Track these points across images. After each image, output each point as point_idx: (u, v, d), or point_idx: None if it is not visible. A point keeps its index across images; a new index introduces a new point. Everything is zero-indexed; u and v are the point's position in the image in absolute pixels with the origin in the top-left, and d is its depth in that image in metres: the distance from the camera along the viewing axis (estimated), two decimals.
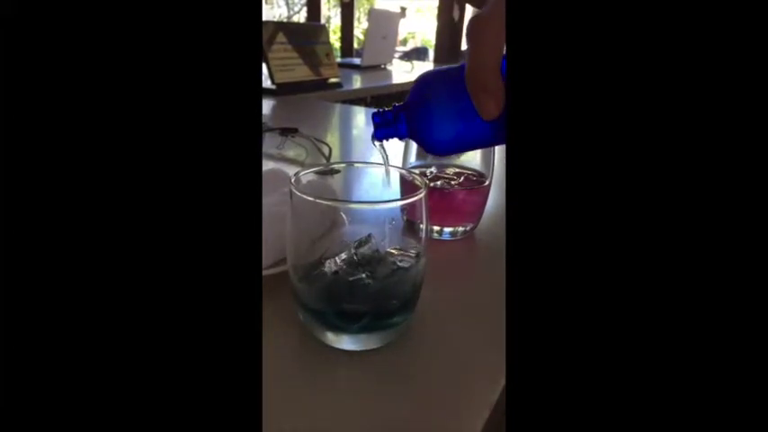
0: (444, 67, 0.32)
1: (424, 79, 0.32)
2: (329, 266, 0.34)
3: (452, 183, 0.51)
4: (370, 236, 0.34)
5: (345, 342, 0.33)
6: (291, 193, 0.32)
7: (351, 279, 0.33)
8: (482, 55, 0.27)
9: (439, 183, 0.51)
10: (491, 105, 0.28)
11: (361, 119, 1.23)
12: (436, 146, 0.32)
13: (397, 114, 0.33)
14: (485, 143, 0.32)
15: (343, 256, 0.34)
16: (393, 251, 0.35)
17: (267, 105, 1.30)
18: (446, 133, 0.31)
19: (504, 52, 0.27)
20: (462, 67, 0.30)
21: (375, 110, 0.34)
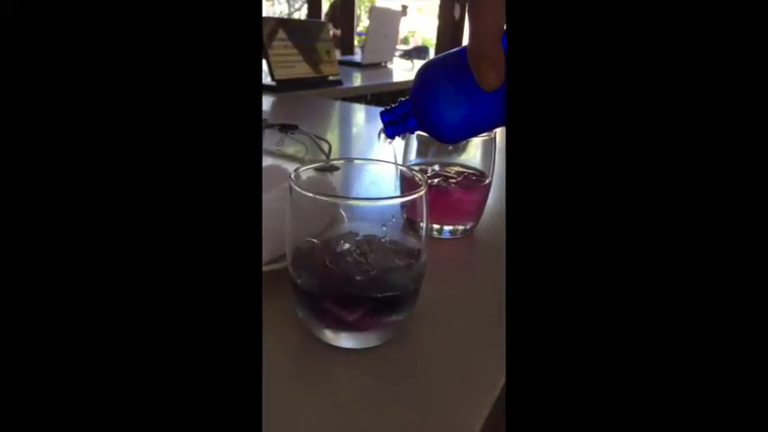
0: (443, 53, 0.32)
1: (426, 68, 0.32)
2: (330, 255, 0.34)
3: (453, 181, 0.51)
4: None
5: (344, 340, 0.33)
6: (291, 188, 0.32)
7: (351, 268, 0.33)
8: (482, 25, 0.27)
9: (438, 181, 0.51)
10: (491, 75, 0.27)
11: (361, 116, 1.23)
12: (447, 132, 0.32)
13: (405, 108, 0.32)
14: (495, 123, 0.31)
15: (345, 245, 0.34)
16: (393, 248, 0.35)
17: (267, 102, 1.30)
18: (454, 117, 0.30)
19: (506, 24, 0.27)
20: (462, 49, 0.29)
21: (382, 108, 0.34)
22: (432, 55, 3.72)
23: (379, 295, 0.32)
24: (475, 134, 0.33)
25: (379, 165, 0.38)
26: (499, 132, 0.34)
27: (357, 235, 0.35)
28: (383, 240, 0.35)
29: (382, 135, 0.34)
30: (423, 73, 0.31)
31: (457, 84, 0.30)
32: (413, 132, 0.33)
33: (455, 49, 0.31)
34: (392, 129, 0.33)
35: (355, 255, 0.34)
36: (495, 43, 0.27)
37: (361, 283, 0.32)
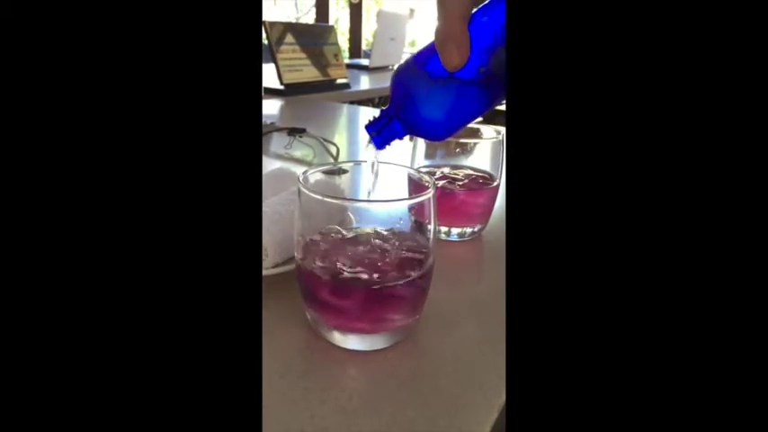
0: (412, 54, 0.32)
1: (399, 71, 0.32)
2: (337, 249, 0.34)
3: (460, 183, 0.51)
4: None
5: (352, 342, 0.33)
6: (299, 191, 0.32)
7: (357, 260, 0.33)
8: (449, 8, 0.28)
9: (446, 183, 0.51)
10: (454, 54, 0.28)
11: (369, 119, 1.23)
12: (433, 129, 0.32)
13: (388, 116, 0.33)
14: (479, 111, 0.31)
15: (353, 239, 0.34)
16: (401, 250, 0.35)
17: (275, 106, 1.30)
18: (436, 109, 0.31)
19: (474, 10, 0.28)
20: (429, 45, 0.30)
21: (368, 121, 0.34)
22: None
23: (382, 289, 0.32)
24: (461, 126, 0.32)
25: (389, 167, 0.38)
26: None
27: (366, 233, 0.35)
28: (391, 241, 0.35)
29: (371, 145, 0.34)
30: (398, 77, 0.32)
31: (431, 77, 0.30)
32: (401, 138, 0.33)
33: (423, 48, 0.31)
34: (380, 138, 0.33)
35: (362, 250, 0.34)
36: (460, 24, 0.28)
37: (363, 274, 0.32)
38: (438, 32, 0.29)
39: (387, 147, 0.34)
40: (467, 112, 0.31)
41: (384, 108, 0.33)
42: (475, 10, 0.29)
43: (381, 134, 0.33)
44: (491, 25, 0.28)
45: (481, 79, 0.29)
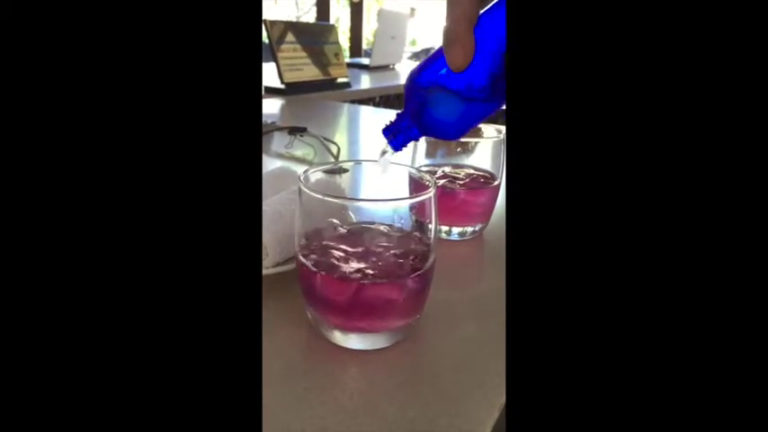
0: (425, 58, 0.33)
1: (412, 76, 0.33)
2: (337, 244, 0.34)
3: (461, 183, 0.51)
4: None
5: (353, 341, 0.33)
6: (300, 190, 0.32)
7: (356, 255, 0.33)
8: (457, 11, 0.29)
9: (447, 182, 0.51)
10: (459, 56, 0.29)
11: (370, 119, 1.23)
12: (449, 130, 0.33)
13: (404, 119, 0.33)
14: (491, 107, 0.32)
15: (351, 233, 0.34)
16: (400, 249, 0.35)
17: (276, 105, 1.30)
18: (449, 113, 0.32)
19: (481, 11, 0.29)
20: (440, 49, 0.31)
21: (389, 110, 0.34)
22: None
23: (382, 288, 0.32)
24: (474, 125, 0.34)
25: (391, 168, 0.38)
26: None
27: (366, 232, 0.35)
28: (392, 240, 0.35)
29: (386, 153, 0.35)
30: (411, 82, 0.32)
31: (445, 82, 0.31)
32: (417, 140, 0.35)
33: (434, 51, 0.32)
34: (397, 141, 0.34)
35: (363, 250, 0.34)
36: (466, 27, 0.28)
37: (364, 273, 0.32)
38: (445, 35, 0.29)
39: (403, 148, 0.35)
40: (478, 113, 0.32)
41: (399, 112, 0.34)
42: (482, 11, 0.29)
43: (398, 137, 0.34)
44: (496, 27, 0.29)
45: (490, 82, 0.30)
